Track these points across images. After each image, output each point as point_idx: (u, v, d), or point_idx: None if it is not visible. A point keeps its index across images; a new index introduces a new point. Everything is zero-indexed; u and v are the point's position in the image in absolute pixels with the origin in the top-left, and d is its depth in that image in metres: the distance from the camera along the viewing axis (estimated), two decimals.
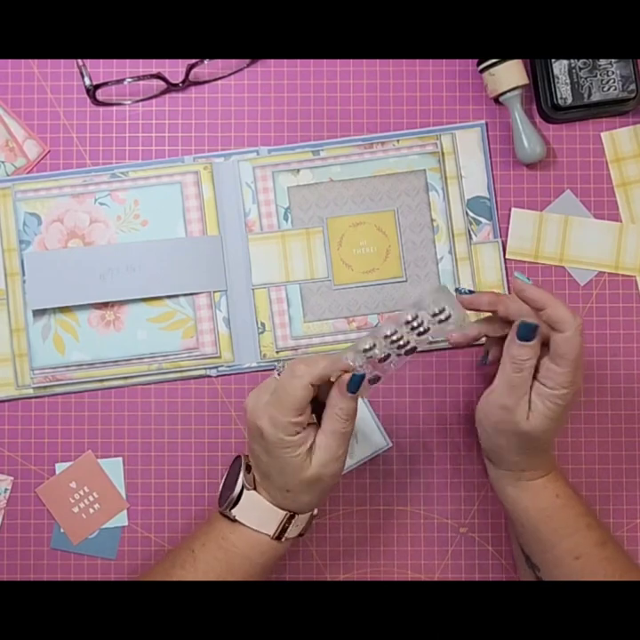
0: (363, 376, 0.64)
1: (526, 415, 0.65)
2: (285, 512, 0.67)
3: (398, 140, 0.78)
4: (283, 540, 0.68)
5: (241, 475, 0.67)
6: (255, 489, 0.67)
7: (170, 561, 0.69)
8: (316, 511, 0.70)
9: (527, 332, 0.64)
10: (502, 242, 0.78)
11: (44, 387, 0.77)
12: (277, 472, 0.65)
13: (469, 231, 0.78)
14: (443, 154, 0.78)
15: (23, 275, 0.76)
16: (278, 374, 0.66)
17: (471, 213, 0.78)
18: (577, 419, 0.78)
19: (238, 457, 0.69)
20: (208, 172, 0.77)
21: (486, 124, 0.79)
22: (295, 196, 0.78)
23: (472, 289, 0.68)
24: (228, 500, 0.67)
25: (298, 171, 0.78)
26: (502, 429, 0.67)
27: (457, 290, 0.67)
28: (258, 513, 0.67)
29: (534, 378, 0.66)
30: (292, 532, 0.68)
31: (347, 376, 0.64)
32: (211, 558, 0.67)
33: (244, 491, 0.67)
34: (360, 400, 0.77)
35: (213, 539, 0.68)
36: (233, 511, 0.67)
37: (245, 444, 0.75)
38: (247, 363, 0.78)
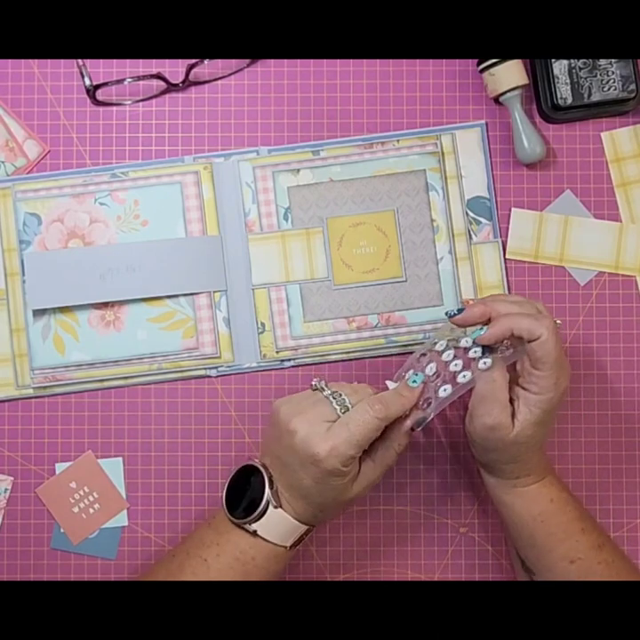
0: (429, 419, 0.67)
1: (510, 427, 0.65)
2: (308, 526, 0.68)
3: (398, 140, 0.78)
4: (290, 548, 0.68)
5: (266, 491, 0.66)
6: (280, 506, 0.67)
7: (176, 565, 0.68)
8: None
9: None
10: (502, 242, 0.78)
11: (44, 387, 0.77)
12: (318, 494, 0.66)
13: (469, 231, 0.78)
14: (443, 154, 0.78)
15: (23, 275, 0.76)
16: (313, 389, 0.67)
17: (471, 213, 0.78)
18: (577, 419, 0.78)
19: (248, 466, 0.68)
20: (208, 172, 0.77)
21: (486, 123, 0.79)
22: (295, 196, 0.78)
23: (460, 307, 0.67)
24: (251, 516, 0.66)
25: (298, 171, 0.78)
26: (491, 446, 0.67)
27: (446, 314, 0.67)
28: (281, 529, 0.67)
29: (518, 386, 0.66)
30: (304, 539, 0.69)
31: (415, 416, 0.67)
32: (226, 568, 0.67)
33: (270, 508, 0.66)
34: None
35: (229, 551, 0.67)
36: (253, 525, 0.66)
37: (260, 447, 0.73)
38: (247, 363, 0.78)
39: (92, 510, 0.77)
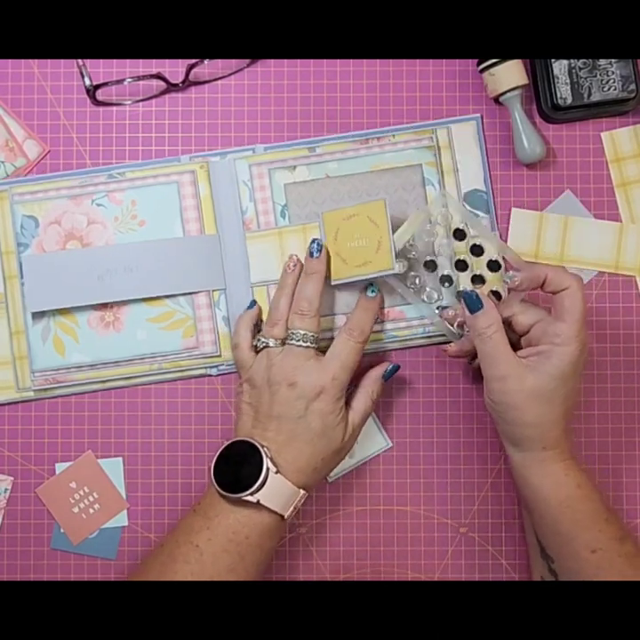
0: (398, 367, 0.74)
1: (523, 377, 0.66)
2: (304, 492, 0.69)
3: (394, 135, 0.78)
4: (286, 517, 0.69)
5: (265, 460, 0.68)
6: (279, 471, 0.68)
7: (167, 555, 0.68)
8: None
9: (473, 302, 0.68)
10: (500, 234, 0.78)
11: (45, 389, 0.77)
12: (317, 443, 0.69)
13: (466, 225, 0.78)
14: (439, 148, 0.78)
15: (22, 277, 0.76)
16: (259, 349, 0.72)
17: (468, 207, 0.78)
18: (577, 418, 0.78)
19: (234, 444, 0.69)
20: (204, 171, 0.77)
21: (481, 117, 0.79)
22: (292, 193, 0.78)
23: (479, 299, 0.69)
24: (253, 487, 0.67)
25: (294, 167, 0.78)
26: (510, 402, 0.67)
27: (463, 293, 0.69)
28: (282, 496, 0.68)
29: (539, 345, 0.68)
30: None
31: (385, 364, 0.74)
32: (220, 551, 0.67)
33: (270, 475, 0.68)
34: None
35: (221, 533, 0.68)
36: (256, 496, 0.67)
37: (238, 430, 0.73)
38: None
39: (92, 510, 0.77)
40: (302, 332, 0.70)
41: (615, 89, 0.76)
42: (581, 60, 0.76)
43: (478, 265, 0.73)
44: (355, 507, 0.78)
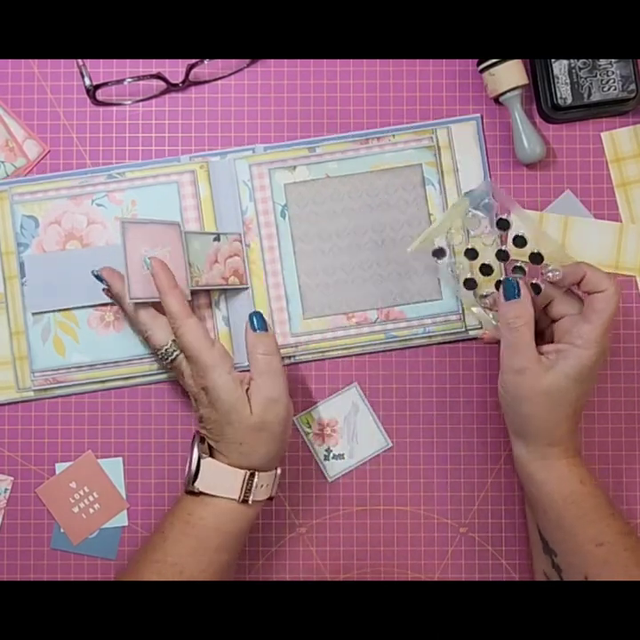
0: (260, 314, 0.71)
1: (539, 373, 0.66)
2: (245, 471, 0.68)
3: (394, 135, 0.78)
4: (250, 502, 0.69)
5: (195, 446, 0.69)
6: (211, 455, 0.69)
7: (144, 547, 0.70)
8: (279, 471, 0.71)
9: (511, 290, 0.68)
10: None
11: (45, 389, 0.77)
12: (227, 423, 0.67)
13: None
14: (439, 148, 0.78)
15: (22, 277, 0.76)
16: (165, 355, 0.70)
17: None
18: None
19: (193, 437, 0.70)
20: (204, 171, 0.77)
21: (481, 117, 0.79)
22: (292, 193, 0.78)
23: (518, 287, 0.69)
24: (188, 475, 0.68)
25: (294, 167, 0.78)
26: (523, 395, 0.67)
27: (505, 280, 0.69)
28: (219, 479, 0.68)
29: (560, 343, 0.68)
30: (259, 493, 0.69)
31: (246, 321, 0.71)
32: (180, 536, 0.68)
33: (202, 460, 0.68)
34: (360, 400, 0.77)
35: (180, 516, 0.69)
36: (195, 485, 0.68)
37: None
38: (247, 361, 0.78)
39: (92, 510, 0.77)
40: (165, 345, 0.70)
41: (615, 89, 0.76)
42: (581, 60, 0.76)
43: (520, 257, 0.72)
44: (355, 507, 0.78)
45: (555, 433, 0.68)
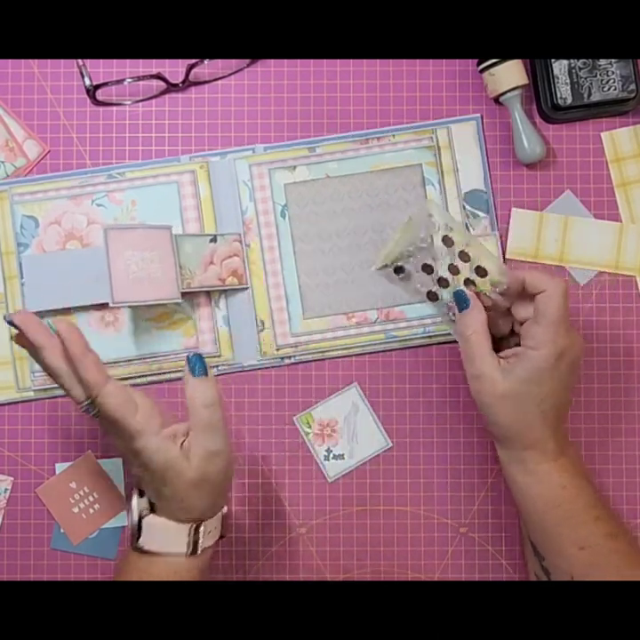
0: (200, 356, 0.65)
1: (496, 379, 0.66)
2: (190, 524, 0.65)
3: (394, 135, 0.78)
4: (199, 552, 0.65)
5: (134, 502, 0.65)
6: (153, 511, 0.65)
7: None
8: (224, 510, 0.69)
9: (460, 301, 0.69)
10: (500, 234, 0.78)
11: (45, 389, 0.77)
12: (163, 485, 0.63)
13: (467, 224, 0.78)
14: (438, 148, 0.78)
15: (22, 277, 0.76)
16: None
17: (468, 207, 0.78)
18: (577, 419, 0.78)
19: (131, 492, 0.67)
20: (204, 171, 0.77)
21: (481, 116, 0.79)
22: (292, 192, 0.78)
23: (467, 298, 0.69)
24: (131, 532, 0.65)
25: (294, 167, 0.78)
26: (485, 401, 0.67)
27: (454, 292, 0.69)
28: (163, 535, 0.65)
29: (518, 346, 0.68)
30: (207, 539, 0.66)
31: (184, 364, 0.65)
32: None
33: (143, 519, 0.65)
34: (360, 400, 0.77)
35: (132, 574, 0.65)
36: (139, 543, 0.65)
37: None
38: (247, 361, 0.78)
39: (92, 510, 0.77)
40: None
41: (615, 89, 0.76)
42: (581, 60, 0.76)
43: (467, 270, 0.72)
44: (355, 507, 0.78)
45: (527, 436, 0.67)
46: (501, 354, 0.68)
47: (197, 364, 0.64)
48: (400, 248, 0.74)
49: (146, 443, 0.63)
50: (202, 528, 0.65)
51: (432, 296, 0.73)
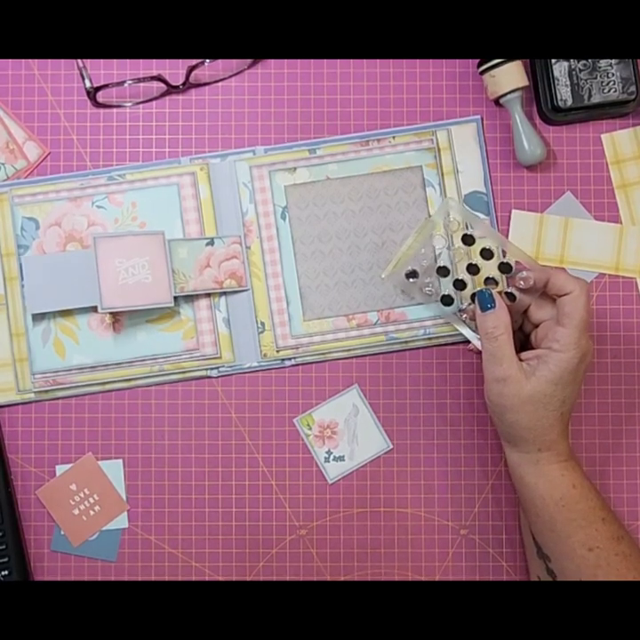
0: (482, 291, 0.69)
1: (522, 381, 0.66)
2: None
3: (394, 137, 0.78)
4: None
5: None
6: None
7: None
8: None
9: (485, 301, 0.68)
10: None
11: (45, 391, 0.77)
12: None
13: (467, 226, 0.78)
14: (439, 149, 0.78)
15: (22, 279, 0.76)
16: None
17: (468, 208, 0.78)
18: (578, 420, 0.78)
19: None
20: (205, 173, 0.77)
21: (481, 118, 0.79)
22: (292, 194, 0.78)
23: (492, 298, 0.69)
24: None
25: (294, 169, 0.78)
26: (507, 403, 0.67)
27: (477, 292, 0.69)
28: None
29: (540, 347, 0.68)
30: None
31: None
32: None
33: None
34: (361, 401, 0.77)
35: None
36: None
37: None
38: (248, 362, 0.78)
39: (92, 512, 0.77)
40: None
41: (615, 91, 0.76)
42: (581, 62, 0.76)
43: (489, 268, 0.73)
44: (355, 509, 0.78)
45: (544, 438, 0.68)
46: (521, 355, 0.69)
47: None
48: (413, 251, 0.74)
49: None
50: None
51: (447, 299, 0.73)
